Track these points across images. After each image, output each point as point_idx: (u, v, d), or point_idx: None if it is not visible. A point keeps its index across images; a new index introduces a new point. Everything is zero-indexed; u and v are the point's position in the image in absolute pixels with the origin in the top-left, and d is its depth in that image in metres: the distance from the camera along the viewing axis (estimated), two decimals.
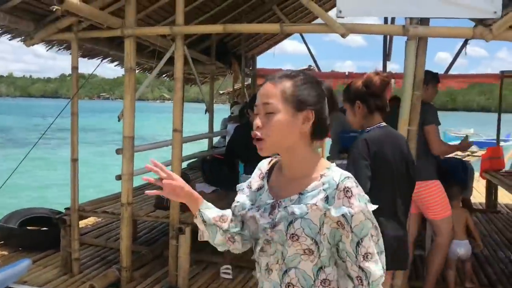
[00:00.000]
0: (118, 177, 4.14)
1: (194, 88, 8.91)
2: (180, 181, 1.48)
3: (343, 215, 1.30)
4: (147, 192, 1.52)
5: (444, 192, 3.66)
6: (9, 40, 4.31)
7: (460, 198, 4.24)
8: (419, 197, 3.55)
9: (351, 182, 1.34)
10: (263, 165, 1.57)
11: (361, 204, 1.31)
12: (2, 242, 5.05)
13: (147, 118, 41.65)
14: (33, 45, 4.26)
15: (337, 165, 1.43)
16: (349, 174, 1.37)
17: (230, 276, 4.35)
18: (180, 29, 3.76)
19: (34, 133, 24.58)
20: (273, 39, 8.59)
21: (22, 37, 4.28)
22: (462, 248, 4.03)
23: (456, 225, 3.91)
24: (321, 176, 1.38)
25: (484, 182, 7.63)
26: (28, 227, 5.16)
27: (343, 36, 3.34)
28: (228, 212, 1.57)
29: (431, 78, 3.79)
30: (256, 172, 1.57)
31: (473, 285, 4.21)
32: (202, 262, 4.67)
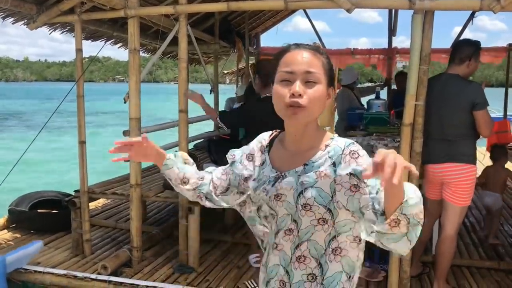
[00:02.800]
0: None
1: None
2: (150, 143, 1.55)
3: (352, 174, 1.30)
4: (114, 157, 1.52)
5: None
6: (12, 23, 4.30)
7: (505, 161, 4.66)
8: (453, 179, 3.40)
9: (356, 146, 1.37)
10: (264, 138, 1.57)
11: (368, 160, 1.32)
12: (14, 225, 5.12)
13: (163, 99, 41.41)
14: (36, 28, 4.24)
15: None
16: (353, 141, 1.39)
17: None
18: (183, 8, 3.72)
19: (55, 117, 24.68)
20: (278, 16, 8.49)
21: (25, 21, 4.27)
22: (491, 198, 4.56)
23: (493, 180, 4.56)
24: (326, 146, 1.41)
25: None
26: (39, 210, 5.22)
27: (349, 11, 3.30)
28: (191, 174, 1.62)
29: (475, 51, 3.46)
30: (256, 145, 1.57)
31: (497, 242, 4.31)
32: (212, 240, 4.72)
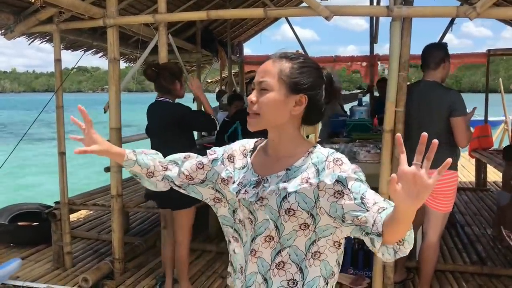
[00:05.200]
0: (107, 169, 4.11)
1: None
2: (97, 138, 1.50)
3: (337, 181, 1.30)
4: (72, 136, 1.54)
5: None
6: None
7: None
8: (435, 186, 3.36)
9: (339, 154, 1.38)
10: (248, 143, 1.57)
11: (351, 167, 1.34)
12: None
13: None
14: (14, 38, 4.19)
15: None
16: (335, 150, 1.41)
17: None
18: (162, 17, 3.70)
19: (45, 128, 24.54)
20: (260, 25, 8.52)
21: (2, 31, 4.21)
22: (497, 195, 5.03)
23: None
24: (308, 153, 1.41)
25: (473, 160, 7.71)
26: (19, 223, 5.13)
27: (328, 19, 3.31)
28: (154, 167, 1.59)
29: (446, 52, 3.44)
30: (239, 147, 1.56)
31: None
32: (196, 250, 4.68)
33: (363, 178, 1.34)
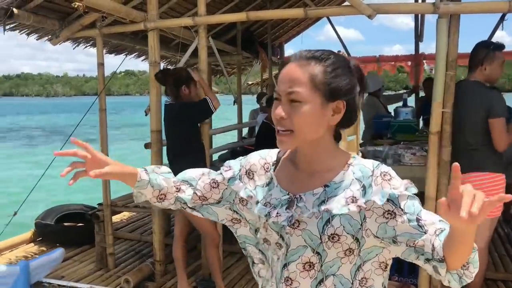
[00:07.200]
0: None
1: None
2: (106, 158, 1.26)
3: (388, 200, 1.14)
4: (63, 174, 1.21)
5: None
6: (36, 39, 4.37)
7: None
8: (480, 189, 3.10)
9: (386, 167, 1.20)
10: (270, 154, 1.37)
11: (403, 182, 1.18)
12: (40, 238, 5.17)
13: None
14: (59, 43, 4.31)
15: (370, 151, 1.35)
16: (380, 162, 1.24)
17: None
18: (202, 19, 3.70)
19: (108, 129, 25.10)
20: (302, 25, 8.43)
21: (49, 36, 4.33)
22: None
23: None
24: (348, 165, 1.23)
25: None
26: (65, 223, 5.26)
27: (370, 17, 3.20)
28: (167, 189, 1.37)
29: (486, 54, 3.18)
30: (259, 161, 1.36)
31: None
32: (236, 254, 4.65)
33: (415, 192, 1.19)
